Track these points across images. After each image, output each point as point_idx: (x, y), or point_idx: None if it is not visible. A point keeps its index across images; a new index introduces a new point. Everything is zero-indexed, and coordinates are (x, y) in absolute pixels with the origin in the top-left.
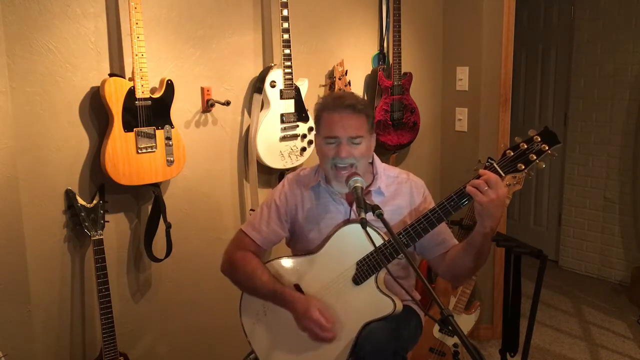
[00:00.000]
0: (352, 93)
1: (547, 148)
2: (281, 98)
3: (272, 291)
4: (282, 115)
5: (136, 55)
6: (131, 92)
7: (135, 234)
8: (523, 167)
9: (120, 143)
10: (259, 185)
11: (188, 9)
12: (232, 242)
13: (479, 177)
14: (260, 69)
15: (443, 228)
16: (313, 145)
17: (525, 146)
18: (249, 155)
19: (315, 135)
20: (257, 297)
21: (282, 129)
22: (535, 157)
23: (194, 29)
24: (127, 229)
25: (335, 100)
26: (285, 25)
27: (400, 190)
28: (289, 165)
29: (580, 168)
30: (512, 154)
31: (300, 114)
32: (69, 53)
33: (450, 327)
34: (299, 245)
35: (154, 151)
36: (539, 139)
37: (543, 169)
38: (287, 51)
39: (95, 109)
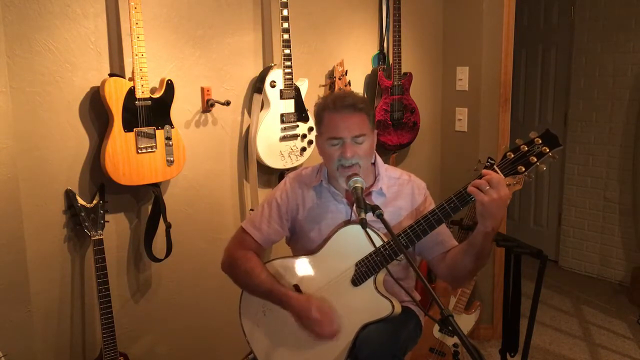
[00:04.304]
0: (352, 92)
1: (547, 150)
2: (281, 98)
3: (269, 290)
4: (282, 115)
5: (136, 55)
6: (131, 92)
7: (135, 234)
8: (523, 169)
9: (120, 143)
10: (259, 185)
11: (188, 9)
12: (232, 240)
13: (481, 177)
14: (260, 69)
15: (442, 229)
16: (313, 145)
17: (526, 148)
18: (249, 155)
19: (316, 135)
20: (255, 296)
21: (282, 129)
22: (535, 160)
23: (194, 29)
24: (127, 229)
25: (336, 101)
26: (285, 25)
27: (402, 191)
28: (289, 165)
29: (580, 168)
30: (513, 155)
31: (300, 114)
32: (69, 53)
33: (450, 327)
34: (299, 245)
35: (154, 151)
36: (540, 141)
37: (543, 171)
38: (287, 51)
39: (95, 109)
